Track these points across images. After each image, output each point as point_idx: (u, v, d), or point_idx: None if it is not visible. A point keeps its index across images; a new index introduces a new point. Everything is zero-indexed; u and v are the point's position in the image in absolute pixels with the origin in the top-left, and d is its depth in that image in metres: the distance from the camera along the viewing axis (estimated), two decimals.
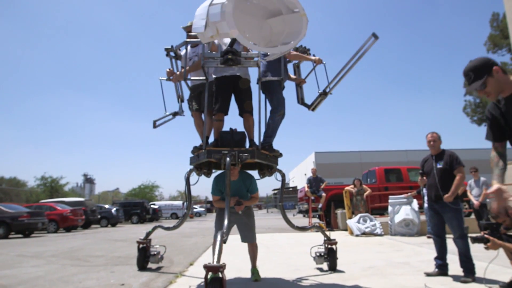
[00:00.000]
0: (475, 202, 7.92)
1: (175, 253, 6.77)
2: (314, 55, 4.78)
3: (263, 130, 4.27)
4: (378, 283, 3.87)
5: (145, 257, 4.92)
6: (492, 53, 17.96)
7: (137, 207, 27.01)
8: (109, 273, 4.78)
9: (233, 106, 4.46)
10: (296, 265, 5.12)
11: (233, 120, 5.25)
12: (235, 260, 5.19)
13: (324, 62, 4.69)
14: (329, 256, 4.66)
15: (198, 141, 4.51)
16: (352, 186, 10.76)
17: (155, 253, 5.01)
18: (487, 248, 3.50)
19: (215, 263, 2.62)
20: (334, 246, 4.69)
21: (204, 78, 4.26)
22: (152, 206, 29.73)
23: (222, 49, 4.07)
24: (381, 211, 11.74)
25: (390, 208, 9.76)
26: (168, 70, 4.91)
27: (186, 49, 4.63)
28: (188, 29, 4.61)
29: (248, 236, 4.13)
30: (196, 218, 36.34)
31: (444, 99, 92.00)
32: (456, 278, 3.98)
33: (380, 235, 9.45)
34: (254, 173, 4.60)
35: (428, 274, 4.19)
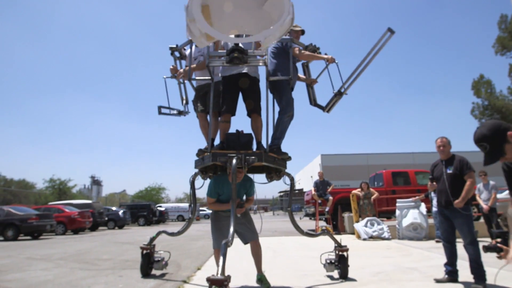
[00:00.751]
0: (484, 206, 7.82)
1: (182, 257, 6.78)
2: (326, 54, 4.56)
3: (271, 131, 4.19)
4: None
5: (149, 263, 4.80)
6: (501, 55, 17.79)
7: (144, 210, 27.15)
8: (117, 277, 4.80)
9: (240, 107, 4.34)
10: (304, 270, 5.10)
11: (240, 121, 5.14)
12: (242, 264, 5.17)
13: (336, 61, 4.51)
14: (340, 264, 4.49)
15: (204, 144, 4.36)
16: (359, 189, 10.70)
17: (159, 259, 4.88)
18: (499, 258, 3.44)
19: (219, 275, 2.51)
20: (345, 253, 4.50)
21: (210, 78, 4.12)
22: (158, 208, 29.88)
23: (228, 48, 3.98)
24: (389, 214, 11.64)
25: (397, 212, 9.69)
26: (172, 67, 4.77)
27: (191, 48, 4.51)
28: None
29: (250, 236, 4.01)
30: (202, 220, 36.41)
31: (452, 102, 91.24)
32: (466, 285, 3.94)
33: (388, 239, 9.37)
34: (262, 177, 4.54)
35: (437, 281, 4.14)
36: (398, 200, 9.93)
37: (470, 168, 4.13)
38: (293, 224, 4.42)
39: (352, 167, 40.50)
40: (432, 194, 7.61)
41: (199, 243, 9.63)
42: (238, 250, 5.17)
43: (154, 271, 4.92)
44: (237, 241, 3.67)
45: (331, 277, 4.51)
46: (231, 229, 3.05)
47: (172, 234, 4.83)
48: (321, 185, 11.62)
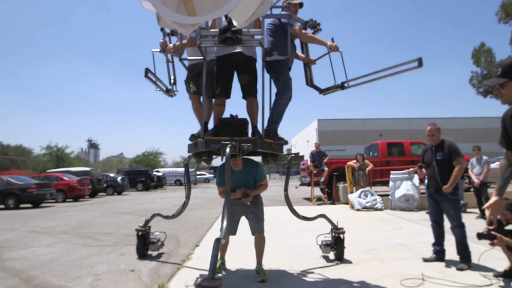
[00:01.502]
0: (475, 180, 8.00)
1: (181, 230, 6.98)
2: (332, 39, 4.24)
3: (267, 115, 3.96)
4: (377, 270, 4.02)
5: (145, 245, 4.81)
6: (504, 23, 17.19)
7: (142, 175, 27.55)
8: (118, 255, 4.97)
9: (235, 88, 4.13)
10: (299, 247, 5.29)
11: (235, 103, 4.84)
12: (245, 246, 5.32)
13: (340, 50, 4.23)
14: (336, 245, 4.50)
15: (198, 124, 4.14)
16: (354, 161, 10.85)
17: (155, 240, 4.88)
18: (492, 245, 3.59)
19: (209, 280, 2.43)
20: (341, 235, 4.51)
21: (202, 58, 3.87)
22: (156, 173, 30.28)
23: (221, 26, 3.73)
24: (384, 184, 11.90)
25: (391, 184, 9.92)
26: (161, 40, 4.48)
27: None
28: None
29: (257, 226, 3.88)
30: (200, 185, 37.09)
31: (451, 67, 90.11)
32: (452, 263, 4.13)
33: (381, 209, 9.66)
34: (258, 160, 4.41)
35: (425, 260, 4.34)
36: (392, 172, 10.12)
37: (459, 154, 4.23)
38: (290, 209, 4.39)
39: (348, 132, 40.67)
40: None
41: (197, 213, 9.89)
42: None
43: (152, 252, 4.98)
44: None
45: (326, 257, 4.65)
46: (225, 223, 2.94)
47: (166, 217, 4.81)
48: (317, 156, 11.76)
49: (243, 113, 4.16)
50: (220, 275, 3.91)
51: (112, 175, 24.95)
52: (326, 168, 11.51)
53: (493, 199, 2.40)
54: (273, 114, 4.07)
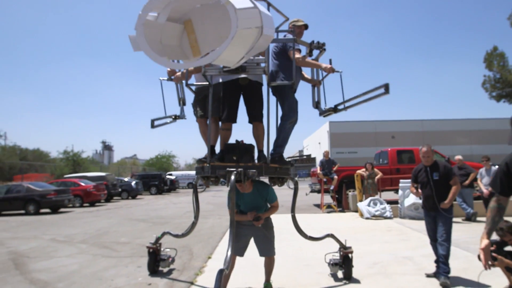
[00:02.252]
0: (484, 191, 8.08)
1: (193, 240, 7.25)
2: (330, 61, 4.29)
3: (272, 139, 4.03)
4: (381, 285, 4.22)
5: (156, 262, 4.92)
6: None
7: (155, 179, 28.13)
8: (136, 267, 5.28)
9: (242, 111, 4.18)
10: (306, 259, 5.50)
11: (241, 127, 4.93)
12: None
13: (340, 71, 4.29)
14: (344, 265, 4.51)
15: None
16: (363, 169, 10.98)
17: (165, 257, 4.99)
18: (493, 266, 3.73)
19: None
20: (350, 255, 4.51)
21: (207, 83, 3.99)
22: (169, 177, 30.84)
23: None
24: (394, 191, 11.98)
25: (400, 192, 10.02)
26: (169, 70, 4.61)
27: None
28: None
29: (267, 250, 3.88)
30: (212, 187, 37.48)
31: (463, 68, 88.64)
32: (454, 279, 4.28)
33: (390, 218, 9.78)
34: (265, 180, 4.36)
35: (428, 275, 4.50)
36: (401, 180, 10.22)
37: (454, 174, 4.48)
38: (297, 229, 4.44)
39: (360, 134, 40.42)
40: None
41: (209, 222, 10.16)
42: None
43: (177, 258, 5.21)
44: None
45: (333, 274, 4.72)
46: (229, 253, 2.99)
47: (176, 236, 4.97)
48: (326, 164, 11.93)
49: (249, 137, 4.26)
50: None
51: (126, 179, 25.57)
52: (335, 176, 11.68)
53: (484, 242, 2.38)
54: (279, 138, 4.15)
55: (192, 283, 4.48)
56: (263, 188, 3.90)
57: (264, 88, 4.18)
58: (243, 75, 3.92)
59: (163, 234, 5.06)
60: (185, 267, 5.21)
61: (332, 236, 4.64)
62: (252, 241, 3.93)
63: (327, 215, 10.95)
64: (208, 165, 3.86)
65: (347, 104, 4.39)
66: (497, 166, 8.23)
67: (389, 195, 12.42)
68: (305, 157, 46.66)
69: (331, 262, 4.62)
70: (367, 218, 9.79)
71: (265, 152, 4.05)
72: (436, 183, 4.43)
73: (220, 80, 4.18)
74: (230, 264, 3.02)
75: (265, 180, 4.40)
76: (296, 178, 4.67)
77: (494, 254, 3.67)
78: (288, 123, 4.14)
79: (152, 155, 48.31)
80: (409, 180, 9.95)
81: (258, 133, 4.10)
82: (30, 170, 30.55)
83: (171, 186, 29.99)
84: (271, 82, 4.08)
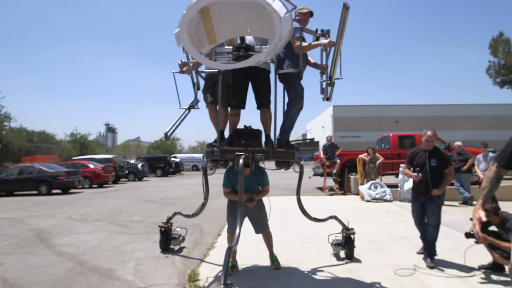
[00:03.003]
0: (481, 175, 8.41)
1: (203, 220, 7.69)
2: (328, 31, 4.34)
3: (278, 125, 4.17)
4: (376, 260, 4.63)
5: (167, 240, 5.18)
6: None
7: (160, 161, 28.67)
8: (152, 243, 5.72)
9: (250, 98, 4.33)
10: (309, 237, 5.91)
11: (249, 113, 5.03)
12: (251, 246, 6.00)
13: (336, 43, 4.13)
14: (346, 245, 4.73)
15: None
16: (365, 154, 11.33)
17: (176, 236, 5.23)
18: (477, 243, 4.09)
19: (221, 285, 2.74)
20: (352, 236, 4.73)
21: (217, 70, 4.13)
22: (174, 159, 31.37)
23: (236, 42, 4.01)
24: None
25: (400, 176, 10.38)
26: (180, 62, 4.67)
27: None
28: None
29: (261, 228, 4.24)
30: (218, 170, 37.95)
31: (468, 53, 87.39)
32: (443, 256, 4.67)
33: (390, 201, 10.18)
34: (271, 165, 4.57)
35: (418, 253, 4.85)
36: (401, 165, 10.56)
37: (451, 163, 4.65)
38: (302, 210, 4.64)
39: (363, 118, 40.46)
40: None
41: (217, 202, 10.58)
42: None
43: (188, 236, 5.49)
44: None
45: (331, 246, 5.06)
46: (237, 231, 3.29)
47: (187, 216, 5.21)
48: (329, 148, 12.27)
49: (256, 122, 4.51)
50: (232, 275, 4.13)
51: (132, 161, 26.10)
52: (338, 160, 12.03)
53: (480, 213, 2.45)
54: (285, 124, 4.31)
55: (205, 256, 4.92)
56: (258, 172, 4.19)
57: (272, 76, 4.31)
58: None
59: (174, 214, 5.29)
60: (198, 243, 5.65)
61: (335, 218, 4.86)
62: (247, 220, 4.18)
63: (330, 197, 11.38)
64: (217, 149, 4.06)
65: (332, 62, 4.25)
66: (493, 154, 8.56)
67: (390, 179, 12.78)
68: (308, 141, 46.85)
69: (334, 243, 4.85)
70: (367, 201, 10.20)
71: (272, 137, 4.19)
72: (433, 169, 4.53)
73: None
74: (237, 242, 3.28)
75: (272, 164, 4.61)
76: (301, 162, 4.85)
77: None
78: (294, 109, 4.28)
79: (156, 137, 48.73)
80: None
81: (266, 119, 4.29)
82: (37, 152, 31.11)
83: (176, 169, 30.56)
84: (279, 70, 4.19)
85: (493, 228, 4.22)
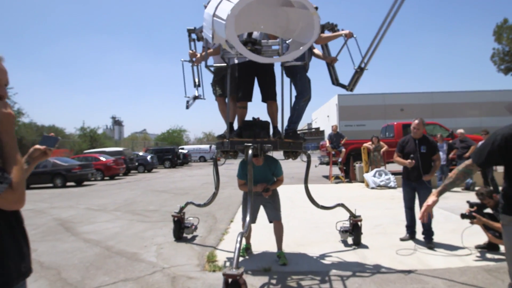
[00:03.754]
0: None
1: (214, 208, 8.07)
2: (342, 29, 4.49)
3: (286, 116, 4.29)
4: (379, 242, 4.99)
5: (180, 229, 5.35)
6: None
7: (168, 153, 29.18)
8: (169, 230, 6.08)
9: (256, 91, 4.43)
10: (316, 222, 6.28)
11: (257, 105, 5.20)
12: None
13: (355, 36, 4.38)
14: (353, 232, 4.88)
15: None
16: (370, 142, 11.61)
17: (189, 225, 5.41)
18: (472, 223, 4.41)
19: (233, 269, 2.87)
20: (359, 223, 4.86)
21: (225, 64, 4.24)
22: (182, 151, 31.87)
23: (243, 38, 4.10)
24: None
25: None
26: (190, 51, 4.72)
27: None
28: None
29: (274, 215, 4.35)
30: (223, 160, 38.42)
31: (473, 40, 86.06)
32: (442, 237, 4.99)
33: (394, 187, 10.50)
34: (279, 154, 4.66)
35: (402, 239, 5.10)
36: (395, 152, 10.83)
37: (438, 150, 5.03)
38: (309, 199, 4.83)
39: (368, 106, 40.36)
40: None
41: (226, 192, 11.01)
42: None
43: (200, 225, 5.84)
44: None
45: (339, 233, 5.36)
46: (247, 219, 3.49)
47: (199, 205, 5.41)
48: (335, 138, 12.57)
49: (262, 114, 4.56)
50: (246, 257, 4.48)
51: (141, 153, 26.62)
52: (343, 149, 12.34)
53: (432, 199, 2.55)
54: (293, 115, 4.41)
55: (220, 240, 5.31)
56: (272, 162, 4.35)
57: (277, 68, 4.40)
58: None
59: (187, 204, 5.47)
60: (212, 229, 6.04)
61: (342, 205, 5.04)
62: (261, 209, 4.42)
63: (335, 185, 11.72)
64: (227, 140, 4.19)
65: (372, 49, 4.30)
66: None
67: (394, 166, 13.04)
68: (313, 130, 46.99)
69: (342, 229, 5.02)
70: (372, 188, 10.53)
71: (279, 128, 4.36)
72: (423, 155, 4.87)
73: (236, 62, 4.43)
74: (247, 228, 3.53)
75: (280, 154, 4.77)
76: (309, 152, 5.10)
77: (474, 214, 4.37)
78: (302, 101, 4.39)
79: (162, 129, 49.46)
80: None
81: (272, 111, 4.41)
82: None
83: (184, 160, 31.07)
84: (285, 63, 4.21)
85: (488, 210, 4.54)
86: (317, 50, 4.83)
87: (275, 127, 4.46)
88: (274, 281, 3.71)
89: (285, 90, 4.21)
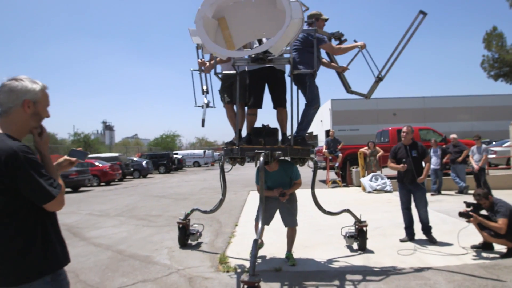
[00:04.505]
0: (475, 166, 9.01)
1: (218, 212, 8.08)
2: (355, 41, 4.64)
3: (295, 123, 4.40)
4: (380, 243, 5.24)
5: (185, 235, 5.36)
6: None
7: (163, 158, 29.26)
8: (177, 234, 6.26)
9: (266, 98, 4.51)
10: (318, 225, 6.51)
11: (265, 112, 5.29)
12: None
13: (366, 48, 4.55)
14: (359, 237, 4.91)
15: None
16: (366, 147, 11.92)
17: (194, 232, 5.45)
18: (468, 222, 4.69)
19: (250, 277, 2.95)
20: (364, 228, 4.89)
21: (235, 72, 4.32)
22: (176, 156, 31.94)
23: (253, 46, 4.33)
24: None
25: None
26: (199, 60, 4.78)
27: None
28: None
29: (290, 221, 4.39)
30: (217, 166, 38.63)
31: (464, 45, 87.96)
32: (440, 238, 5.26)
33: (390, 191, 10.79)
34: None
35: (401, 240, 5.38)
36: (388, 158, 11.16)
37: (428, 154, 5.46)
38: (316, 205, 4.85)
39: (361, 111, 40.86)
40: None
41: (227, 197, 11.12)
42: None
43: (207, 228, 6.00)
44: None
45: (341, 234, 5.60)
46: (260, 225, 3.55)
47: (205, 212, 5.45)
48: (332, 143, 12.86)
49: (268, 120, 4.66)
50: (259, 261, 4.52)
51: (136, 159, 26.64)
52: (340, 154, 12.64)
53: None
54: (302, 122, 4.50)
55: (228, 243, 5.51)
56: (288, 167, 4.39)
57: (287, 76, 4.49)
58: (270, 64, 4.22)
59: (192, 210, 5.47)
60: (219, 233, 6.23)
61: (348, 211, 5.05)
62: (277, 213, 4.45)
63: (333, 189, 11.99)
64: (237, 147, 4.28)
65: (391, 60, 4.64)
66: (486, 146, 9.14)
67: (390, 171, 13.35)
68: (307, 135, 47.35)
69: (347, 235, 5.04)
70: (369, 192, 10.81)
71: (287, 134, 4.44)
72: (415, 159, 5.29)
73: (246, 69, 4.54)
74: (261, 234, 3.63)
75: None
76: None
77: (470, 213, 4.65)
78: (312, 109, 4.51)
79: (153, 134, 49.50)
80: None
81: (282, 118, 4.49)
82: None
83: (179, 165, 31.15)
84: (294, 71, 4.34)
85: (484, 212, 4.82)
86: (325, 60, 4.93)
87: (284, 134, 4.54)
88: (286, 281, 3.92)
89: (293, 98, 4.33)
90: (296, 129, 4.45)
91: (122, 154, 26.03)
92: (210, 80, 5.21)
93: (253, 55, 4.09)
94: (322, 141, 33.93)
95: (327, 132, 22.33)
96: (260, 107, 4.54)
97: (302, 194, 5.25)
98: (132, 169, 23.80)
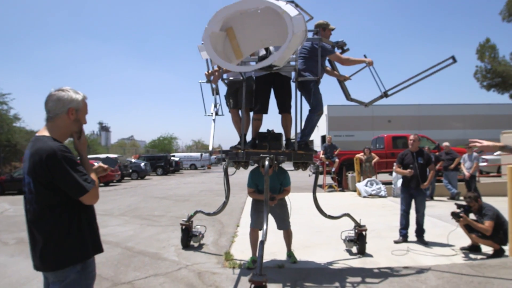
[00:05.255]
0: (466, 173, 9.40)
1: (219, 214, 8.54)
2: (365, 56, 4.83)
3: (299, 129, 4.53)
4: (375, 244, 5.54)
5: (188, 237, 5.48)
6: (507, 21, 18.03)
7: (161, 160, 29.46)
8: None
9: (271, 104, 4.66)
10: (317, 227, 6.81)
11: (269, 115, 5.47)
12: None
13: (373, 65, 4.74)
14: (358, 241, 5.02)
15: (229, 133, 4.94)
16: (362, 153, 12.28)
17: (197, 233, 5.59)
18: (458, 221, 5.03)
19: (258, 276, 3.05)
20: (363, 232, 5.01)
21: (241, 78, 4.47)
22: (173, 158, 32.14)
23: (259, 54, 4.45)
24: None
25: (394, 174, 11.35)
26: (206, 73, 4.90)
27: None
28: None
29: (282, 225, 4.59)
30: (214, 168, 38.90)
31: (459, 54, 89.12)
32: (431, 240, 5.60)
33: (384, 196, 11.15)
34: (289, 164, 4.79)
35: (396, 242, 5.71)
36: (395, 163, 11.52)
37: (433, 162, 5.88)
38: (318, 208, 5.03)
39: (357, 117, 41.29)
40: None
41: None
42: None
43: (209, 230, 6.32)
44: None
45: (340, 235, 5.92)
46: (265, 227, 3.59)
47: (208, 214, 5.56)
48: (329, 149, 13.21)
49: (269, 125, 4.88)
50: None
51: (133, 160, 26.81)
52: (337, 159, 12.98)
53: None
54: (306, 128, 4.67)
55: (232, 242, 5.80)
56: (280, 173, 4.49)
57: (293, 83, 4.64)
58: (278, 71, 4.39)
59: (196, 212, 5.58)
60: (222, 233, 6.52)
61: (348, 215, 5.18)
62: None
63: (329, 194, 12.31)
64: (242, 151, 4.38)
65: (404, 85, 4.96)
66: (477, 154, 9.53)
67: (385, 176, 13.77)
68: None
69: (347, 239, 5.18)
70: (364, 197, 11.15)
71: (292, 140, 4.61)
72: (420, 166, 5.68)
73: (252, 74, 4.69)
74: (266, 236, 3.57)
75: (289, 164, 4.97)
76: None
77: (461, 214, 4.99)
78: (316, 115, 4.65)
79: (150, 136, 49.58)
80: None
81: (287, 123, 4.64)
82: None
83: (176, 168, 31.35)
84: (299, 78, 4.49)
85: (472, 216, 5.16)
86: (328, 67, 5.10)
87: (288, 139, 4.73)
88: (288, 277, 4.22)
89: (298, 104, 4.50)
90: (299, 134, 4.60)
91: (121, 155, 26.17)
92: (214, 90, 5.34)
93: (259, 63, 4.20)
94: (317, 146, 34.40)
95: (323, 137, 22.82)
96: (266, 113, 4.67)
97: (302, 197, 5.56)
98: (130, 171, 23.98)
